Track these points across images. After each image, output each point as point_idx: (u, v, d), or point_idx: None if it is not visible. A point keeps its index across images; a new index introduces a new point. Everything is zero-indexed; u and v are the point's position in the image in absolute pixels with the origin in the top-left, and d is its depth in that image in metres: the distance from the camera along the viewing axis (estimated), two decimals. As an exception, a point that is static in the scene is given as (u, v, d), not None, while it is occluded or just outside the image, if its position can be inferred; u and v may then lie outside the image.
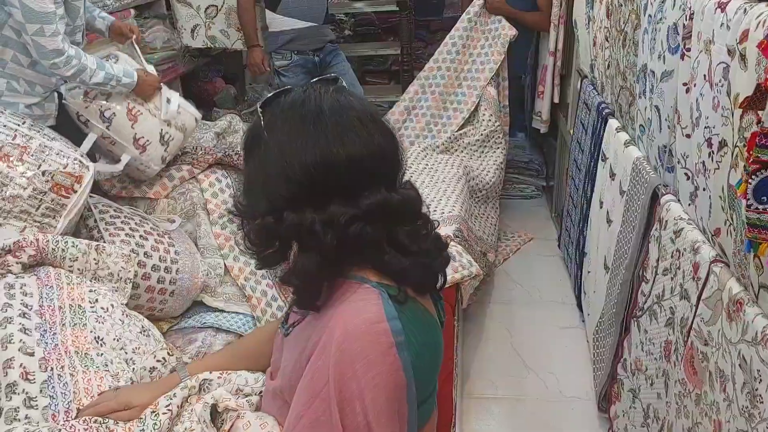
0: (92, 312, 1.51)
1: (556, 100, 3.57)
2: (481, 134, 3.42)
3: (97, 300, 1.55)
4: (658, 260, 1.75)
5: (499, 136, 3.45)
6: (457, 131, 3.46)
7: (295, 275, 0.99)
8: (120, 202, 2.53)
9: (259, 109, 1.07)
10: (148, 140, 2.41)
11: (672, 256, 1.64)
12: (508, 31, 3.43)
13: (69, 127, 2.42)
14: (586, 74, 2.91)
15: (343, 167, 0.94)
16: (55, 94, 2.32)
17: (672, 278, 1.64)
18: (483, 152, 3.45)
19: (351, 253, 0.96)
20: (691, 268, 1.50)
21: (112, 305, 1.57)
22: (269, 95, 1.08)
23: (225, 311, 2.42)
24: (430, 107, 3.52)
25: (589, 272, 2.56)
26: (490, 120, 3.43)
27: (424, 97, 3.52)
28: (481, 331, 2.85)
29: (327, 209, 0.94)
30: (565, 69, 3.47)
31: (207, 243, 2.54)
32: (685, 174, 1.61)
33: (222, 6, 3.79)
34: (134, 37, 2.53)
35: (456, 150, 3.42)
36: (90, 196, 2.27)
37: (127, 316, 1.60)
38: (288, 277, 1.01)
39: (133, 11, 3.41)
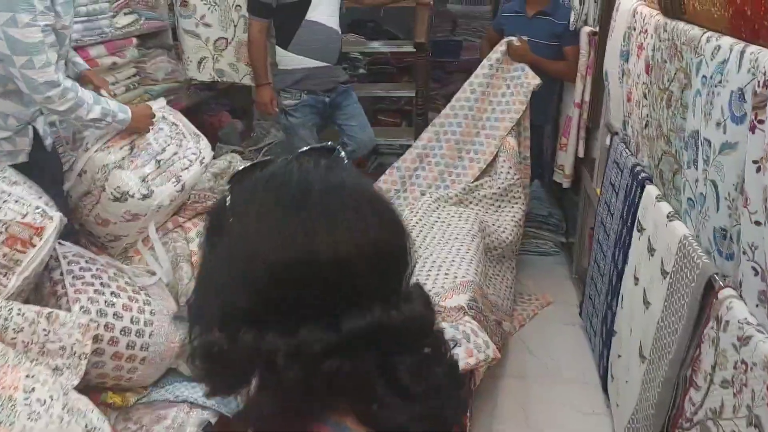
0: (25, 405, 1.24)
1: (581, 155, 3.31)
2: (499, 187, 3.16)
3: (33, 389, 1.28)
4: (714, 367, 1.46)
5: (518, 190, 3.19)
6: (472, 182, 3.20)
7: (249, 421, 0.72)
8: (94, 250, 2.28)
9: (226, 185, 0.81)
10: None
11: (735, 368, 1.35)
12: (532, 80, 3.20)
13: (46, 165, 2.19)
14: (617, 131, 2.66)
15: (325, 273, 0.67)
16: (30, 128, 2.08)
17: (735, 395, 1.34)
18: (500, 207, 3.18)
19: (325, 395, 0.69)
20: (764, 391, 1.21)
21: (52, 396, 1.30)
22: (242, 168, 0.82)
23: (204, 381, 2.12)
24: (444, 156, 3.28)
25: (619, 356, 2.26)
26: (509, 173, 3.17)
27: (438, 145, 3.28)
28: (494, 409, 2.54)
29: (296, 333, 0.67)
30: (592, 121, 3.21)
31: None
32: (753, 269, 1.34)
33: (232, 39, 3.59)
34: (102, 90, 2.28)
35: (471, 203, 3.15)
36: (60, 244, 2.02)
37: (68, 411, 1.32)
38: (240, 421, 0.74)
39: (135, 40, 3.22)
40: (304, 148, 0.84)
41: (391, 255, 0.73)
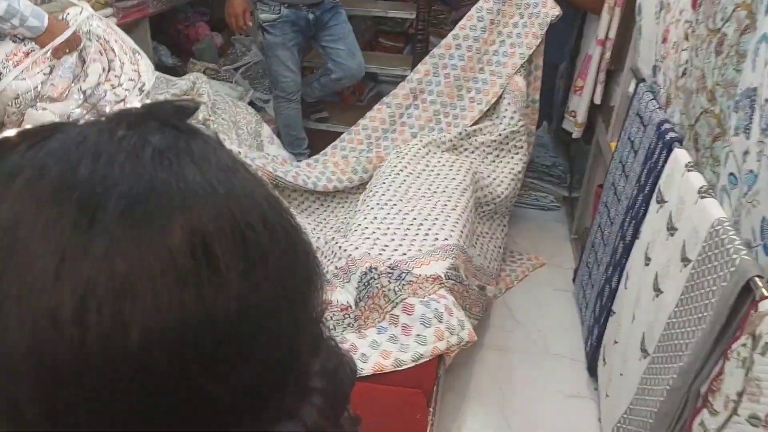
0: None
1: (597, 101, 2.91)
2: (500, 134, 2.78)
3: None
4: (741, 395, 1.15)
5: (520, 139, 2.81)
6: (470, 127, 2.82)
7: None
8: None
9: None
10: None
11: (774, 407, 1.04)
12: (551, 10, 2.75)
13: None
14: (644, 77, 2.26)
15: (128, 367, 0.35)
16: None
17: (769, 441, 1.04)
18: (498, 156, 2.81)
19: None
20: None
21: None
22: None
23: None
24: (442, 94, 2.87)
25: (616, 342, 1.96)
26: (512, 118, 2.78)
27: (435, 80, 2.86)
28: (467, 384, 2.27)
29: None
30: (615, 64, 2.80)
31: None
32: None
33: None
34: None
35: (466, 150, 2.78)
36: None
37: None
38: None
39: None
40: (138, 107, 0.45)
41: (279, 335, 0.39)
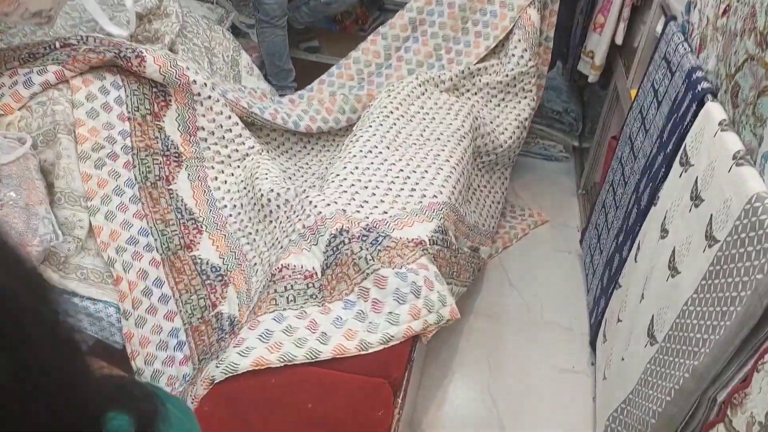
0: None
1: (619, 41, 2.58)
2: (507, 74, 2.48)
3: None
4: (773, 419, 0.93)
5: (530, 81, 2.51)
6: (474, 65, 2.51)
7: None
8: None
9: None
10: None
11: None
12: (573, -68, 2.40)
13: None
14: (676, 14, 1.95)
15: None
16: None
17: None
18: (504, 100, 2.52)
19: None
20: None
21: None
22: None
23: (77, 295, 1.64)
24: (444, 25, 2.55)
25: (620, 320, 1.74)
26: (522, 57, 2.47)
27: (438, 10, 2.54)
28: (452, 356, 2.07)
29: None
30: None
31: (67, 187, 1.71)
32: None
33: None
34: None
35: (468, 91, 2.48)
36: None
37: None
38: None
39: None
40: None
41: None
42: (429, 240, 1.58)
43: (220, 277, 1.79)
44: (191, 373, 1.58)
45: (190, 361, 1.61)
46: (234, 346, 1.25)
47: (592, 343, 2.06)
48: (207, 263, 1.82)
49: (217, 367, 1.21)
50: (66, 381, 0.36)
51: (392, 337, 1.27)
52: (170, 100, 1.99)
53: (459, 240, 1.91)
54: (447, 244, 1.67)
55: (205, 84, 2.02)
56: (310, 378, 1.18)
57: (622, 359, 1.62)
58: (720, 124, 1.38)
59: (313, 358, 1.22)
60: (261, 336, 1.26)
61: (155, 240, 1.77)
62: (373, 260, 1.40)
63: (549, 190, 3.02)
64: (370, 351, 1.25)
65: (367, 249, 1.45)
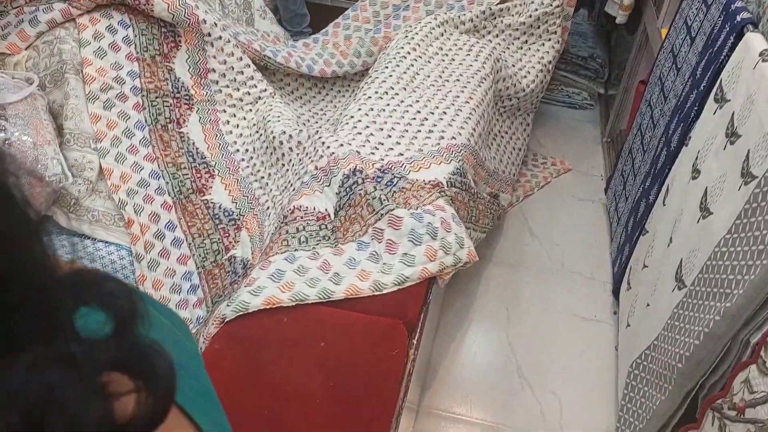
0: None
1: (649, -21, 2.45)
2: (531, 15, 2.36)
3: None
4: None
5: (554, 22, 2.39)
6: (496, 4, 2.40)
7: None
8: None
9: None
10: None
11: None
12: None
13: None
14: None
15: None
16: None
17: None
18: (527, 42, 2.41)
19: None
20: None
21: None
22: None
23: (88, 238, 1.62)
24: (465, -38, 2.43)
25: (645, 266, 1.68)
26: (546, -5, 2.35)
27: (458, -55, 2.41)
28: (469, 305, 2.03)
29: None
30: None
31: (76, 128, 1.67)
32: None
33: None
34: None
35: (489, 33, 2.38)
36: None
37: None
38: None
39: None
40: None
41: None
42: (447, 182, 1.52)
43: (232, 222, 1.76)
44: (204, 316, 1.56)
45: (204, 303, 1.59)
46: (245, 286, 1.21)
47: (615, 292, 2.00)
48: (219, 207, 1.78)
49: (228, 306, 1.18)
50: (20, 265, 0.31)
51: (407, 278, 1.23)
52: (180, 41, 1.93)
53: (478, 185, 1.84)
54: (465, 187, 1.61)
55: (216, 24, 1.95)
56: (323, 317, 1.15)
57: (647, 305, 1.56)
58: (761, 54, 1.28)
59: (325, 298, 1.18)
60: (272, 276, 1.22)
61: (167, 183, 1.74)
62: (388, 201, 1.35)
63: (572, 138, 2.92)
64: (385, 292, 1.21)
65: (382, 190, 1.40)
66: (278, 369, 1.07)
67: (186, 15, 1.87)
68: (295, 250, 1.31)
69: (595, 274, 2.16)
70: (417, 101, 1.87)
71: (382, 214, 1.32)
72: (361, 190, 1.39)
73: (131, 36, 1.80)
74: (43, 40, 1.69)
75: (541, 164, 2.68)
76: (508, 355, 1.86)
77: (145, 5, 1.79)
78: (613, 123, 2.84)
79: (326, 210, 1.44)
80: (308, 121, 2.27)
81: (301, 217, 1.41)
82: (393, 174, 1.49)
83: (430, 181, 1.50)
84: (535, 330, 1.95)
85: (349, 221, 1.38)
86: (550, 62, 2.39)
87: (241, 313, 1.15)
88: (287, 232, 1.37)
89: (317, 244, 1.33)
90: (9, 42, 1.67)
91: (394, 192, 1.41)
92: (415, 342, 1.19)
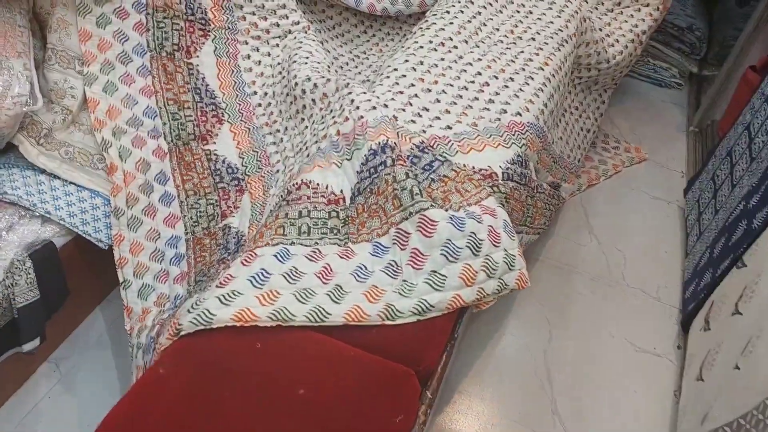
0: None
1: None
2: (631, -30, 1.93)
3: None
4: None
5: (659, -18, 1.96)
6: (591, -49, 1.97)
7: None
8: None
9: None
10: None
11: None
12: None
13: None
14: None
15: None
16: None
17: None
18: (620, 5, 1.99)
19: None
20: None
21: None
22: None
23: (58, 178, 1.34)
24: None
25: (739, 313, 1.32)
26: (656, -54, 1.91)
27: None
28: (503, 315, 1.70)
29: None
30: None
31: (60, 43, 1.37)
32: None
33: None
34: None
35: (578, -15, 1.96)
36: None
37: None
38: None
39: None
40: None
41: None
42: (502, 173, 1.17)
43: (236, 181, 1.46)
44: (184, 294, 1.28)
45: (186, 280, 1.31)
46: (217, 286, 0.92)
47: (684, 325, 1.65)
48: (223, 162, 1.48)
49: (189, 312, 0.89)
50: None
51: (431, 307, 0.91)
52: (204, -50, 1.59)
53: (540, 173, 1.49)
54: (525, 180, 1.26)
55: (247, -66, 1.60)
56: (310, 349, 0.85)
57: (736, 368, 1.22)
58: None
59: (317, 322, 0.88)
60: (254, 277, 0.92)
61: (164, 124, 1.44)
62: (421, 194, 1.02)
63: (653, 121, 2.50)
64: (398, 322, 0.90)
65: (416, 177, 1.07)
66: (238, 415, 0.78)
67: None
68: (291, 243, 1.00)
69: (662, 294, 1.81)
70: (479, 59, 1.51)
71: (411, 213, 1.00)
72: (389, 175, 1.06)
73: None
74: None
75: (613, 149, 2.28)
76: (542, 384, 1.55)
77: None
78: (705, 111, 2.40)
79: (341, 191, 1.12)
80: (346, 64, 1.92)
81: (308, 197, 1.09)
82: (434, 155, 1.15)
83: (481, 170, 1.16)
84: (580, 355, 1.62)
85: (368, 212, 1.06)
86: (644, 32, 1.96)
87: (203, 327, 0.86)
88: (287, 215, 1.06)
89: (321, 238, 1.02)
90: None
91: (432, 180, 1.08)
92: (428, 395, 0.88)
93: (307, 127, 1.45)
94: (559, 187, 1.72)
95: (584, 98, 2.00)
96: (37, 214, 1.27)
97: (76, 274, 1.32)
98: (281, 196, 1.16)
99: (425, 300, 0.92)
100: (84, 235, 1.31)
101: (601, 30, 1.88)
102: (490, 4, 1.70)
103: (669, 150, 2.37)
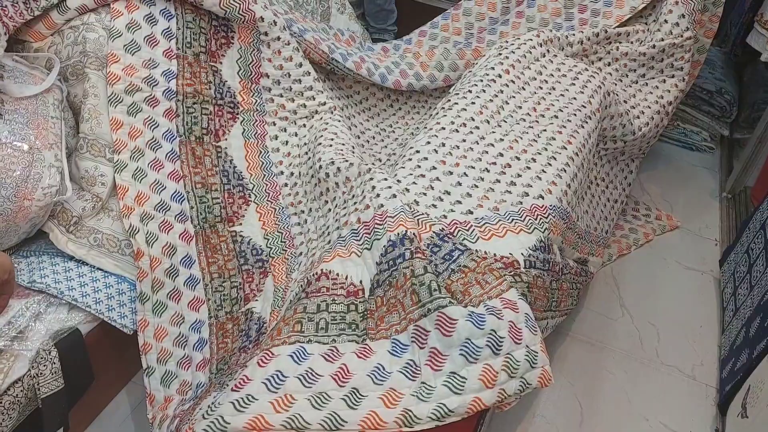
0: None
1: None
2: (654, 45, 1.93)
3: None
4: None
5: (682, 57, 1.95)
6: (614, 27, 1.99)
7: None
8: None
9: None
10: None
11: None
12: None
13: None
14: None
15: None
16: None
17: None
18: (645, 76, 1.99)
19: None
20: None
21: None
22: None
23: (85, 264, 1.37)
24: (581, -27, 2.03)
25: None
26: (677, 25, 1.92)
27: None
28: (529, 401, 1.65)
29: None
30: None
31: (91, 132, 1.43)
32: None
33: None
34: None
35: (600, 60, 1.97)
36: None
37: None
38: None
39: None
40: None
41: None
42: (524, 261, 1.16)
43: (260, 263, 1.47)
44: (205, 383, 1.28)
45: (208, 367, 1.31)
46: (233, 389, 0.92)
47: (722, 407, 1.58)
48: (248, 243, 1.50)
49: (204, 417, 0.88)
50: None
51: (450, 412, 0.89)
52: (232, 38, 1.65)
53: (565, 251, 1.47)
54: (548, 266, 1.24)
55: (275, 22, 1.66)
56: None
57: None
58: None
59: (332, 429, 0.87)
60: (269, 380, 0.92)
61: (191, 208, 1.47)
62: (439, 290, 1.01)
63: (684, 186, 2.47)
64: (416, 429, 0.88)
65: (435, 270, 1.06)
66: None
67: (241, 11, 1.59)
68: (309, 340, 0.99)
69: (697, 372, 1.74)
70: (501, 140, 1.51)
71: (429, 310, 0.99)
72: (408, 268, 1.06)
73: (174, 29, 1.53)
74: (70, 25, 1.45)
75: (643, 216, 2.25)
76: (574, 473, 1.49)
77: (199, -4, 1.52)
78: (738, 176, 2.36)
79: (360, 282, 1.12)
80: (373, 138, 1.96)
81: (327, 289, 1.09)
82: (454, 243, 1.15)
83: (502, 257, 1.15)
84: (613, 439, 1.56)
85: (387, 306, 1.06)
86: (670, 103, 1.95)
87: (218, 434, 0.86)
88: (305, 309, 1.06)
89: (339, 335, 1.02)
90: (34, 29, 1.44)
91: (452, 271, 1.08)
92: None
93: (330, 210, 1.47)
94: (587, 262, 1.69)
95: (611, 169, 1.99)
96: (65, 301, 1.30)
97: (100, 359, 1.33)
98: (301, 286, 1.16)
99: (444, 404, 0.90)
100: (110, 322, 1.32)
101: (626, 102, 1.88)
102: (513, 81, 1.72)
103: (702, 217, 2.32)
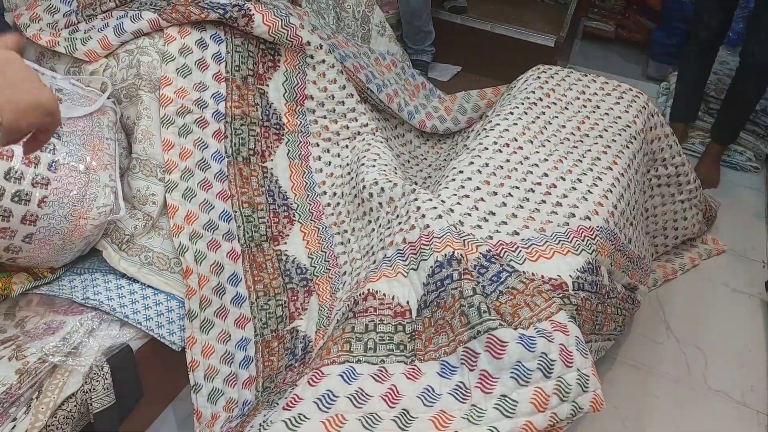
0: None
1: None
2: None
3: None
4: None
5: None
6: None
7: None
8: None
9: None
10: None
11: None
12: None
13: None
14: None
15: None
16: None
17: None
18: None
19: None
20: None
21: None
22: None
23: (136, 281, 1.41)
24: None
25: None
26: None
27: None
28: (577, 420, 1.62)
29: None
30: None
31: (144, 153, 1.47)
32: None
33: None
34: None
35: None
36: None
37: None
38: None
39: None
40: None
41: None
42: (573, 283, 1.15)
43: (304, 282, 1.49)
44: (252, 401, 1.29)
45: (254, 385, 1.33)
46: (284, 407, 0.92)
47: (777, 435, 1.53)
48: (293, 261, 1.52)
49: (257, 434, 0.90)
50: None
51: (502, 436, 0.89)
52: (279, 61, 1.69)
53: (614, 275, 1.45)
54: (596, 289, 1.23)
55: (320, 46, 1.70)
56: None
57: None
58: None
59: (384, 450, 0.87)
60: (320, 399, 0.92)
61: (238, 227, 1.50)
62: (489, 312, 1.01)
63: (730, 207, 2.41)
64: (468, 452, 0.88)
65: (483, 291, 1.06)
66: None
67: (289, 37, 1.64)
68: (358, 360, 1.00)
69: (747, 398, 1.68)
70: (545, 160, 1.51)
71: (479, 332, 0.98)
72: (456, 289, 1.06)
73: (223, 53, 1.58)
74: (125, 49, 1.51)
75: (687, 240, 2.20)
76: (622, 501, 1.45)
77: (244, 27, 1.57)
78: (786, 197, 2.30)
79: (408, 303, 1.12)
80: (408, 162, 1.97)
81: (374, 309, 1.10)
82: (502, 264, 1.15)
83: (551, 279, 1.14)
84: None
85: (435, 327, 1.06)
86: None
87: (271, 452, 0.87)
88: (353, 329, 1.07)
89: (388, 356, 1.02)
90: (89, 48, 1.50)
91: (501, 293, 1.07)
92: None
93: (374, 230, 1.48)
94: (636, 290, 1.66)
95: (662, 196, 1.94)
96: (116, 318, 1.33)
97: (149, 375, 1.35)
98: (348, 306, 1.17)
99: (495, 428, 0.89)
100: (159, 338, 1.35)
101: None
102: (554, 103, 1.72)
103: (747, 238, 2.27)
